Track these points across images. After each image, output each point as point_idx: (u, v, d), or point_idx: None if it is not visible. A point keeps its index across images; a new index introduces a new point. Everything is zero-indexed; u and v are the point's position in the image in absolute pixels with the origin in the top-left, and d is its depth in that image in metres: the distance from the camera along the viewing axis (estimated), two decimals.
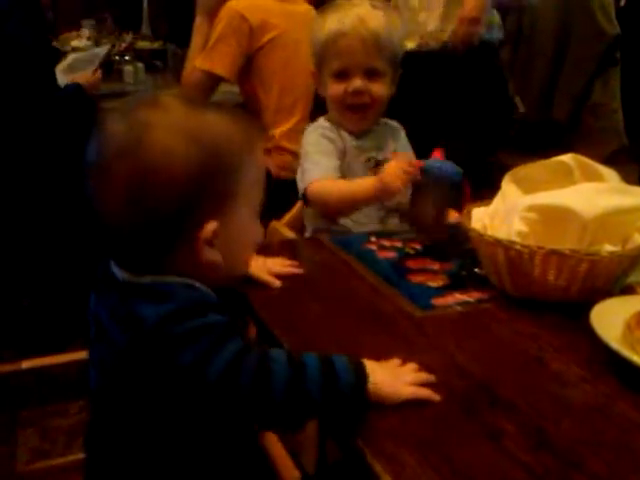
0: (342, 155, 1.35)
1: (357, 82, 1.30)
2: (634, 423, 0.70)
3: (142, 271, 0.73)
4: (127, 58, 2.86)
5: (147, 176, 0.69)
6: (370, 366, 0.72)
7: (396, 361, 0.77)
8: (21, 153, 1.93)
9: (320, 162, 1.31)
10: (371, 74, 1.31)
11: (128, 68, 2.73)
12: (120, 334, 0.70)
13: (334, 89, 1.32)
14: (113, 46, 2.68)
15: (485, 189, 1.12)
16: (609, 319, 0.82)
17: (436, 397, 0.72)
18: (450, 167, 1.22)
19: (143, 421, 0.73)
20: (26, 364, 0.95)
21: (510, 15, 3.06)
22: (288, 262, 1.04)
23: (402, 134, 1.46)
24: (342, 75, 1.31)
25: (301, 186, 1.33)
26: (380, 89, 1.32)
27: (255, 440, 0.88)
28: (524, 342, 0.85)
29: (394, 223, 1.39)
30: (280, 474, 1.05)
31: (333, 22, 1.31)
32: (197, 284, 0.73)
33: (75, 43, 2.80)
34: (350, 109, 1.33)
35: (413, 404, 0.71)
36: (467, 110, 2.30)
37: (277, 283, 0.99)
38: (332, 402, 0.69)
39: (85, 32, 3.04)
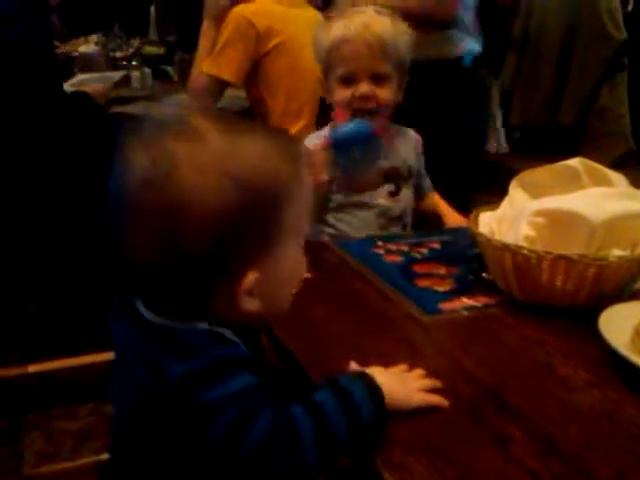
0: None
1: (364, 87, 1.29)
2: None
3: (172, 314, 0.65)
4: (134, 63, 2.87)
5: (175, 215, 0.60)
6: (380, 376, 0.70)
7: (403, 367, 0.77)
8: (26, 157, 1.94)
9: None
10: (377, 79, 1.31)
11: (135, 73, 2.74)
12: (144, 373, 0.64)
13: (340, 94, 1.32)
14: (126, 76, 2.67)
15: (492, 193, 1.12)
16: (617, 324, 0.81)
17: (445, 403, 0.71)
18: (354, 125, 1.24)
19: (164, 456, 0.68)
20: (33, 368, 0.95)
21: (517, 20, 3.07)
22: None
23: (415, 142, 1.44)
24: (348, 80, 1.31)
25: None
26: (387, 94, 1.31)
27: None
28: (532, 347, 0.85)
29: (396, 231, 1.39)
30: None
31: (338, 28, 1.31)
32: (228, 335, 0.66)
33: (83, 48, 2.81)
34: (356, 114, 1.32)
35: (420, 411, 0.71)
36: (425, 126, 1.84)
37: None
38: (359, 439, 0.66)
39: (93, 37, 3.05)
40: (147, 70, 2.80)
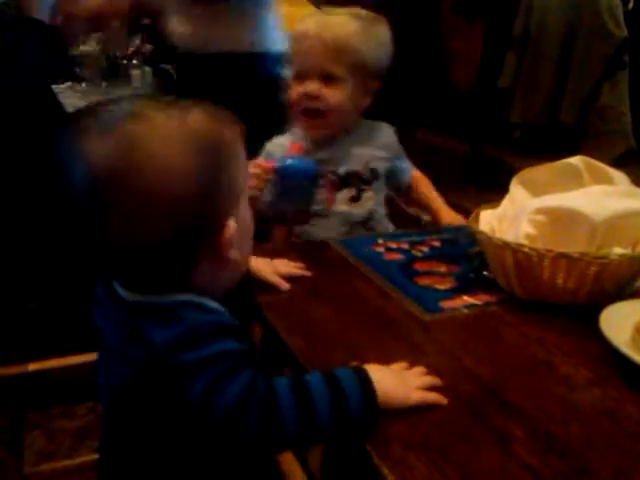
0: None
1: (311, 85, 1.25)
2: None
3: (154, 291, 0.69)
4: (135, 62, 2.86)
5: (152, 200, 0.64)
6: (377, 372, 0.70)
7: (403, 364, 0.76)
8: (25, 155, 1.93)
9: None
10: (328, 79, 1.26)
11: (136, 72, 2.73)
12: (136, 352, 0.67)
13: (294, 90, 1.28)
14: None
15: (493, 192, 1.12)
16: (618, 322, 0.81)
17: (444, 401, 0.71)
18: (302, 162, 1.23)
19: (151, 432, 0.70)
20: (33, 366, 0.95)
21: (517, 18, 3.06)
22: (294, 263, 1.04)
23: (385, 135, 1.38)
24: (300, 77, 1.27)
25: None
26: (336, 96, 1.26)
27: None
28: (532, 345, 0.85)
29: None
30: (286, 476, 1.04)
31: (304, 23, 1.28)
32: (211, 304, 0.70)
33: (83, 47, 2.80)
34: (305, 113, 1.28)
35: (420, 408, 0.70)
36: None
37: (286, 286, 0.99)
38: (343, 427, 0.67)
39: (93, 36, 3.04)
40: (147, 69, 2.80)
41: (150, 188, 0.64)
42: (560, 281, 0.90)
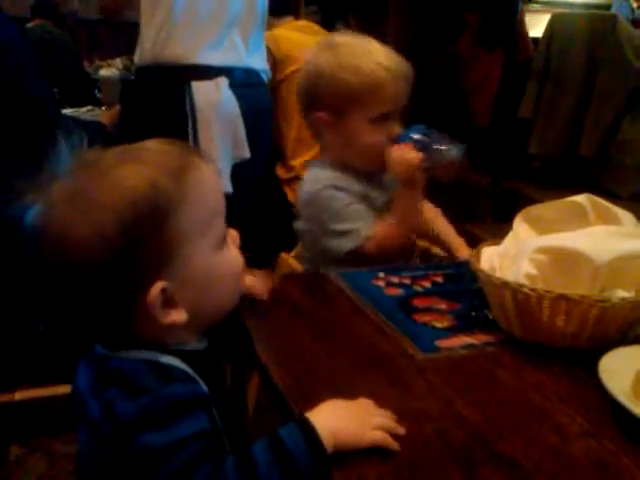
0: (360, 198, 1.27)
1: (397, 127, 1.23)
2: None
3: (114, 345, 0.69)
4: None
5: (68, 269, 0.64)
6: (325, 414, 0.69)
7: (369, 402, 0.73)
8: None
9: (359, 215, 1.24)
10: (399, 114, 1.25)
11: None
12: (103, 424, 0.65)
13: (375, 136, 1.22)
14: None
15: (510, 224, 1.07)
16: (619, 369, 0.78)
17: (395, 446, 0.68)
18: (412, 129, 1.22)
19: None
20: (19, 396, 0.93)
21: (538, 49, 3.05)
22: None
23: None
24: (382, 120, 1.22)
25: (349, 245, 1.22)
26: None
27: None
28: (529, 391, 0.81)
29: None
30: None
31: (374, 69, 1.20)
32: (171, 363, 0.68)
33: (104, 72, 2.84)
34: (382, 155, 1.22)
35: (406, 453, 0.68)
36: None
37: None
38: None
39: (116, 61, 3.09)
40: None
41: (60, 260, 0.64)
42: (560, 323, 0.87)
